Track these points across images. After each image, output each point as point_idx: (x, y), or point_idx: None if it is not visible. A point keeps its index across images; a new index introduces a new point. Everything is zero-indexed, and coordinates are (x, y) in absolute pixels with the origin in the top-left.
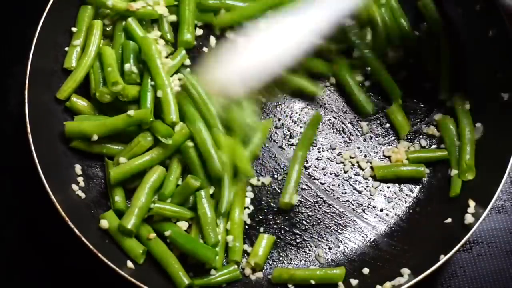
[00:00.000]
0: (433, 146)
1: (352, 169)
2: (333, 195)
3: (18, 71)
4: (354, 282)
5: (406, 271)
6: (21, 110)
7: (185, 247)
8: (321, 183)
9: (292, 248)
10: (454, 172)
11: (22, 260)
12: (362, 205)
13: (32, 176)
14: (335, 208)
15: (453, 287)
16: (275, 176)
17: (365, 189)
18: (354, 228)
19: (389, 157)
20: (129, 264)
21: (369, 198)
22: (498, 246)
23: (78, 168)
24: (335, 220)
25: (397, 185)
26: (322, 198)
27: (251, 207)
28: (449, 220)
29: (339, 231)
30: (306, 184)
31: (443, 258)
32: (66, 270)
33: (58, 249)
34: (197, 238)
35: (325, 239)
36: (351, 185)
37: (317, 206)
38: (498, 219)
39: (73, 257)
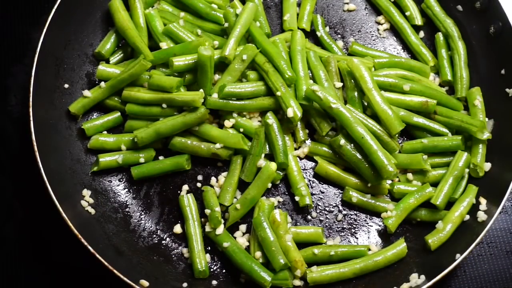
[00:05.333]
0: None
1: None
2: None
3: (18, 71)
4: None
5: (420, 272)
6: (22, 111)
7: (241, 264)
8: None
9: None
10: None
11: (22, 260)
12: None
13: (32, 175)
14: (350, 211)
15: (453, 287)
16: None
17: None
18: (367, 230)
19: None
20: (144, 283)
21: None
22: (498, 246)
23: (85, 184)
24: (348, 221)
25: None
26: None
27: None
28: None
29: (352, 231)
30: (320, 190)
31: (459, 257)
32: (66, 270)
33: (58, 249)
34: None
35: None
36: None
37: (332, 208)
38: (498, 219)
39: (72, 257)
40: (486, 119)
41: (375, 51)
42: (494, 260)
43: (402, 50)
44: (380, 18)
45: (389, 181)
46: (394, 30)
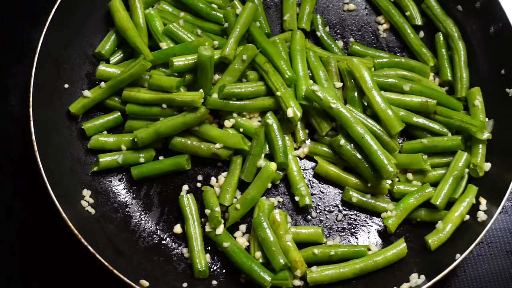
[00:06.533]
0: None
1: None
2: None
3: (18, 71)
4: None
5: (420, 272)
6: (22, 111)
7: (241, 264)
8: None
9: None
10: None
11: (22, 260)
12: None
13: (32, 175)
14: (350, 211)
15: (453, 287)
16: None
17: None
18: (367, 230)
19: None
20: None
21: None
22: (498, 246)
23: (85, 184)
24: (348, 221)
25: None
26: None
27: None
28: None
29: (352, 231)
30: (320, 190)
31: (459, 258)
32: (66, 270)
33: (58, 249)
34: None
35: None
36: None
37: (332, 208)
38: (498, 219)
39: (72, 257)
40: (486, 119)
41: (375, 51)
42: (494, 260)
43: (402, 50)
44: (380, 18)
45: (389, 181)
46: (394, 30)
